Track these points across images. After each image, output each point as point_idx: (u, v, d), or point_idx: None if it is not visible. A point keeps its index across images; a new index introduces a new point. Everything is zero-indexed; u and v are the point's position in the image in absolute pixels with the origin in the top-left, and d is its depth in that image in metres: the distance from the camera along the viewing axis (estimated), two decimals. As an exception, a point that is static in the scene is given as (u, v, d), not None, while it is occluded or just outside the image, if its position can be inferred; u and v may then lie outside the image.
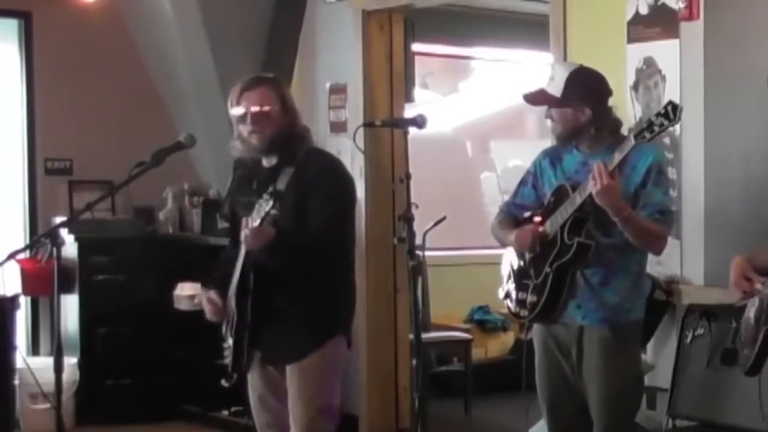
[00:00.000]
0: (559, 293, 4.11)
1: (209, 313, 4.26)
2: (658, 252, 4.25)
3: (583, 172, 4.13)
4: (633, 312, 4.19)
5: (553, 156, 4.31)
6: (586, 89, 4.14)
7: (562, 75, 4.16)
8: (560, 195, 4.13)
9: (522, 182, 4.41)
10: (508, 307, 4.37)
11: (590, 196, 3.95)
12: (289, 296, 4.10)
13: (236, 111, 4.15)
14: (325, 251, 4.11)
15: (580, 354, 4.15)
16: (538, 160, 4.36)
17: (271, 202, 3.88)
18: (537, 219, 4.19)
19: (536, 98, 4.22)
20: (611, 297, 4.13)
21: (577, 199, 4.02)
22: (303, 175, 4.10)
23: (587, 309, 4.12)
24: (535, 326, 4.27)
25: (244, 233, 4.00)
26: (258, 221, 3.93)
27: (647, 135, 3.84)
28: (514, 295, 4.30)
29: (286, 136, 4.15)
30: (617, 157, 3.91)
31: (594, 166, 3.92)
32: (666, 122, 3.81)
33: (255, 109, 4.11)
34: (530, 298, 4.19)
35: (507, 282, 4.36)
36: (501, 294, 4.40)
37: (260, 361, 4.23)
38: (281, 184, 4.08)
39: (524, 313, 4.24)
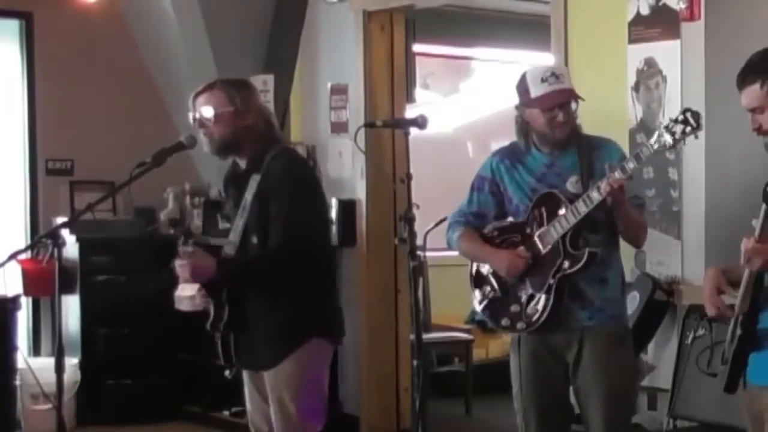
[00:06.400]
0: (561, 301, 4.09)
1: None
2: (641, 243, 4.29)
3: (551, 174, 4.14)
4: (625, 306, 4.28)
5: (511, 158, 4.25)
6: None
7: (567, 70, 4.19)
8: (552, 203, 4.08)
9: (476, 189, 4.31)
10: (494, 323, 4.26)
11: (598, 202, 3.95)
12: (261, 306, 4.09)
13: (191, 116, 4.18)
14: (291, 260, 4.06)
15: (579, 356, 4.12)
16: (493, 164, 4.28)
17: (180, 242, 4.04)
18: (521, 247, 4.14)
19: (570, 97, 4.11)
20: (611, 293, 4.15)
21: (582, 207, 3.98)
22: (266, 183, 4.08)
23: (592, 310, 4.11)
24: (522, 336, 4.18)
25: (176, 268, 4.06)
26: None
27: (669, 142, 3.83)
28: (503, 309, 4.20)
29: (238, 138, 4.11)
30: (631, 165, 3.89)
31: (610, 178, 3.87)
32: (689, 129, 3.80)
33: (200, 113, 4.12)
34: (528, 309, 4.12)
35: (488, 296, 4.27)
36: (479, 306, 4.30)
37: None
38: (249, 194, 4.09)
39: (521, 325, 4.14)
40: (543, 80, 4.07)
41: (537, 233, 4.11)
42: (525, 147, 4.20)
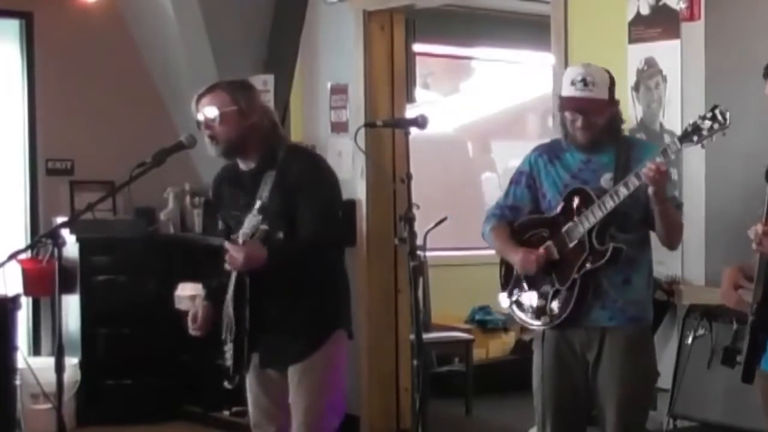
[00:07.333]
0: (585, 297, 4.10)
1: (191, 328, 4.28)
2: (676, 245, 4.27)
3: (587, 171, 4.15)
4: (649, 309, 4.24)
5: (549, 153, 4.29)
6: (612, 87, 4.18)
7: (602, 77, 4.14)
8: (581, 199, 4.10)
9: (514, 183, 4.36)
10: (519, 316, 4.29)
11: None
12: (284, 302, 4.09)
13: (195, 119, 4.18)
14: (321, 254, 4.12)
15: (599, 356, 4.14)
16: (532, 159, 4.32)
17: (260, 217, 3.96)
18: (543, 247, 4.15)
19: (590, 107, 4.10)
20: (634, 295, 4.15)
21: (610, 202, 4.01)
22: (286, 178, 4.08)
23: (613, 310, 4.11)
24: (546, 332, 4.22)
25: (230, 253, 3.99)
26: (248, 236, 3.97)
27: (695, 138, 3.84)
28: (528, 303, 4.24)
29: (244, 137, 4.12)
30: (659, 161, 3.88)
31: (653, 168, 3.84)
32: (716, 126, 3.79)
33: (204, 114, 4.12)
34: (553, 304, 4.15)
35: (515, 289, 4.31)
36: (506, 302, 4.34)
37: (257, 363, 4.23)
38: (265, 190, 4.08)
39: (546, 320, 4.17)
40: (572, 83, 4.12)
41: (565, 228, 4.14)
42: (565, 142, 4.23)
